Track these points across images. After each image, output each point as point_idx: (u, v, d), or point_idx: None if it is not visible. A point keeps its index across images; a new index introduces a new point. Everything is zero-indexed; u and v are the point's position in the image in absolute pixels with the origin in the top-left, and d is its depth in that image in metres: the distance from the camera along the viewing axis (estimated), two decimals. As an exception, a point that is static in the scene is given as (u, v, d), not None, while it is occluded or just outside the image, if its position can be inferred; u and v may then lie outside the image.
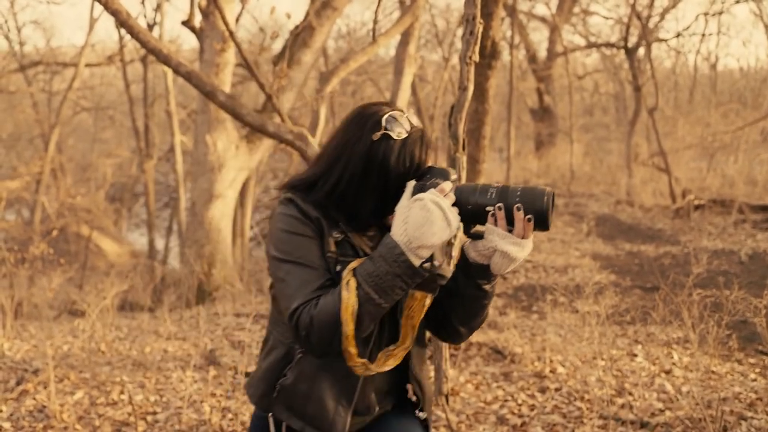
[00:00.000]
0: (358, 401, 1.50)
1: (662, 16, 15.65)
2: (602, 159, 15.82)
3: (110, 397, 4.09)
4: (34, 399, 3.98)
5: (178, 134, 11.88)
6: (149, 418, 3.83)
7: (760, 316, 3.80)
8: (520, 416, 3.59)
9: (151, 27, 14.38)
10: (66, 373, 4.47)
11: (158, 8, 13.93)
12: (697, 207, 10.38)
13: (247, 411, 3.86)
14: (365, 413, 1.54)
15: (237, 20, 8.51)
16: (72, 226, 15.03)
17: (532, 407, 3.70)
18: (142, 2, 16.19)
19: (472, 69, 2.98)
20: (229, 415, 3.82)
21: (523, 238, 1.35)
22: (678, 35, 17.23)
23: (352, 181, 1.41)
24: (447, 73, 15.68)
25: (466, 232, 1.41)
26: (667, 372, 4.20)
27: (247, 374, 4.45)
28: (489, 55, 4.09)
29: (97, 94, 21.12)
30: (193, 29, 8.35)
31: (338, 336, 1.31)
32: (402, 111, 1.45)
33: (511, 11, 13.31)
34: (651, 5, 14.66)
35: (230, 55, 8.27)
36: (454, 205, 1.36)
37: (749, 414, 3.45)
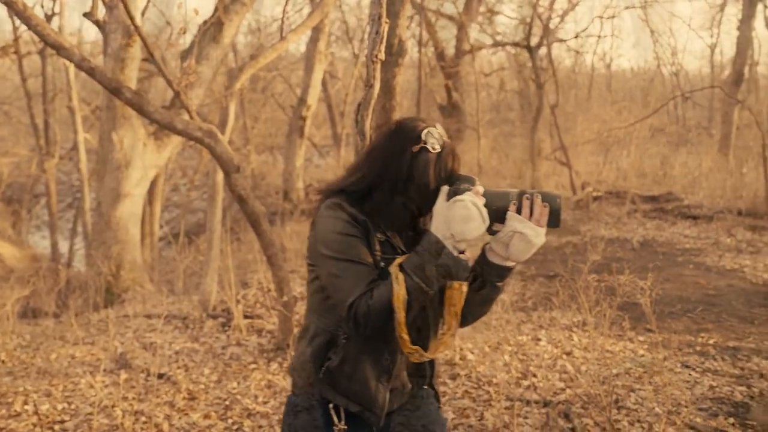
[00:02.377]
0: (393, 379, 1.68)
1: (562, 17, 16.38)
2: (508, 153, 16.37)
3: (13, 408, 3.93)
4: (-71, 413, 3.77)
5: (81, 131, 11.35)
6: (57, 427, 3.71)
7: (645, 296, 4.14)
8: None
9: (49, 18, 13.61)
10: (-37, 384, 4.24)
11: (56, -2, 13.20)
12: (595, 198, 11.01)
13: (161, 413, 3.82)
14: (400, 389, 1.72)
15: (143, 14, 8.23)
16: (-37, 230, 14.05)
17: (443, 393, 3.86)
18: (38, -9, 15.26)
19: (378, 67, 3.08)
20: (143, 419, 3.76)
21: (539, 225, 1.55)
22: (576, 36, 18.08)
23: (398, 189, 1.60)
24: (357, 70, 15.79)
25: (488, 229, 1.60)
26: (568, 354, 4.49)
27: (160, 375, 4.38)
28: (396, 53, 4.22)
29: (-12, 88, 19.80)
30: (96, 22, 8.01)
31: (391, 322, 1.51)
32: (435, 126, 1.63)
33: (420, 9, 13.57)
34: (551, 7, 15.34)
35: (136, 50, 8.00)
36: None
37: (637, 386, 3.76)
